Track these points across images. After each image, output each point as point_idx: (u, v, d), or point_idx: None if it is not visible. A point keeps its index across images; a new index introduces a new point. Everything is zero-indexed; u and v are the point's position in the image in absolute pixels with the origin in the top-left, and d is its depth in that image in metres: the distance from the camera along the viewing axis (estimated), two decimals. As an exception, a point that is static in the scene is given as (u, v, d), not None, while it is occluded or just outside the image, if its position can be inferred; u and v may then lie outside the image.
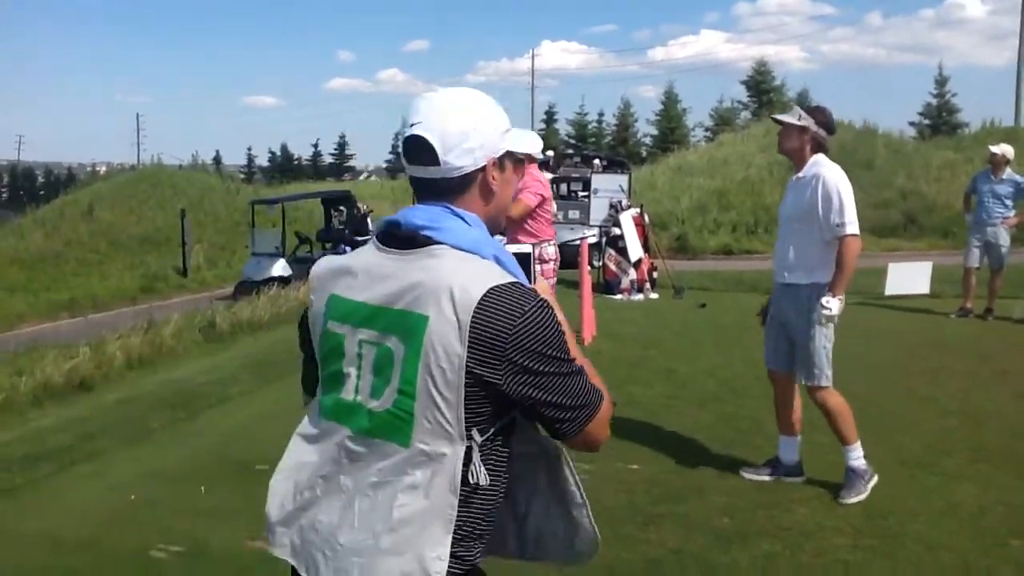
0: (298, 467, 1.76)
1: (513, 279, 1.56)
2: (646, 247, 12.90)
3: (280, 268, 18.02)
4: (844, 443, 4.49)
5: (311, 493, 1.69)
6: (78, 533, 4.21)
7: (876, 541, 3.88)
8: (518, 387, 1.53)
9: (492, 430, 1.57)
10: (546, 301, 1.56)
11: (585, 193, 20.59)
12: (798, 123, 4.49)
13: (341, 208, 20.61)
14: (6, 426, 6.90)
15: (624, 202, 14.38)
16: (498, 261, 1.61)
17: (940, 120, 45.30)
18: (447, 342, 1.51)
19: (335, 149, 66.85)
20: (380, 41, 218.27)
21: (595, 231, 16.87)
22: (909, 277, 11.79)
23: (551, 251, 6.41)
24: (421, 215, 1.63)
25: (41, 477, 5.10)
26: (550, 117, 57.97)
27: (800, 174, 4.52)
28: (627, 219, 12.80)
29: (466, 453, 1.53)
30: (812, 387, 4.51)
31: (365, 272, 1.66)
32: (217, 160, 69.54)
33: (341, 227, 20.19)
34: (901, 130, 39.33)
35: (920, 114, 46.81)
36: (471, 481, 1.54)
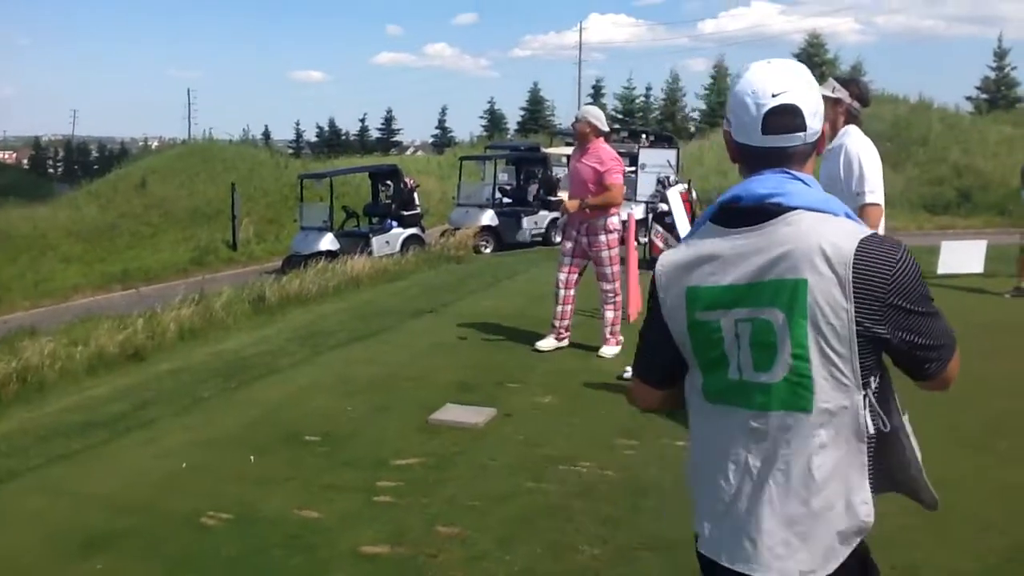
0: (710, 463, 1.82)
1: (872, 230, 1.65)
2: (694, 223, 12.79)
3: (328, 242, 18.17)
4: None
5: (727, 484, 1.75)
6: (133, 497, 4.32)
7: (925, 520, 3.81)
8: (898, 331, 1.63)
9: (878, 376, 1.67)
10: (907, 247, 1.65)
11: (632, 168, 20.45)
12: (832, 95, 4.41)
13: (388, 182, 20.70)
14: (63, 394, 7.09)
15: (672, 177, 14.27)
16: (847, 216, 1.69)
17: (998, 94, 44.09)
18: (832, 299, 1.58)
19: (382, 124, 66.92)
20: (428, 15, 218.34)
21: (642, 207, 16.78)
22: (963, 255, 11.54)
23: (615, 222, 6.85)
24: (762, 185, 1.70)
25: (97, 443, 5.24)
26: (597, 92, 57.48)
27: (829, 146, 4.44)
28: (675, 195, 12.69)
29: (863, 401, 1.63)
30: None
31: (719, 257, 1.71)
32: (266, 135, 70.02)
33: (388, 201, 20.30)
34: (957, 104, 38.41)
35: (977, 88, 45.61)
36: (871, 428, 1.65)
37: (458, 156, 28.60)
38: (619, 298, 7.02)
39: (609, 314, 6.98)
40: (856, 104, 4.42)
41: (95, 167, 69.23)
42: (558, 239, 20.10)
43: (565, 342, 7.16)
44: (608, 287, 6.93)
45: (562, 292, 7.03)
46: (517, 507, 4.06)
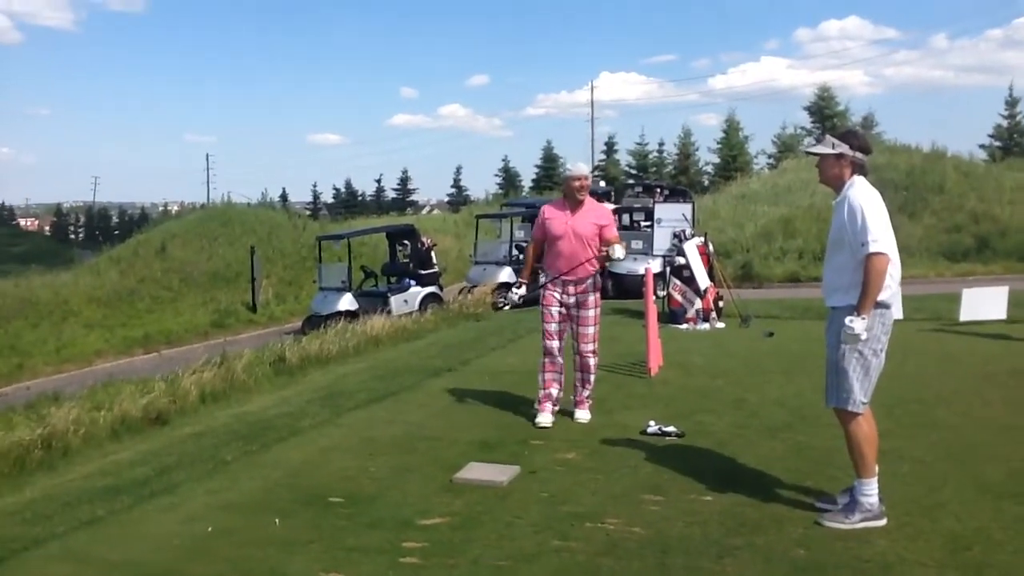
0: None
1: None
2: (711, 276, 12.78)
3: (347, 302, 18.27)
4: (858, 475, 4.39)
5: None
6: (158, 563, 4.29)
7: (960, 573, 3.77)
8: None
9: None
10: None
11: (648, 223, 20.56)
12: (833, 151, 4.47)
13: (405, 242, 20.86)
14: (87, 459, 7.11)
15: (688, 231, 14.29)
16: None
17: (1012, 142, 44.30)
18: None
19: (398, 184, 67.80)
20: (441, 77, 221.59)
21: (659, 260, 16.81)
22: (984, 302, 11.47)
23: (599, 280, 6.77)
24: None
25: (121, 509, 5.23)
26: (610, 148, 58.04)
27: (838, 198, 4.48)
28: (692, 248, 12.71)
29: None
30: (839, 411, 4.42)
31: None
32: (284, 197, 70.90)
33: (406, 260, 20.43)
34: (971, 152, 38.63)
35: (991, 136, 45.91)
36: None
37: (474, 214, 28.88)
38: (597, 360, 6.80)
39: (593, 377, 6.76)
40: (859, 155, 4.47)
41: (116, 232, 70.21)
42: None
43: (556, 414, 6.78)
44: (590, 348, 6.65)
45: (556, 360, 6.71)
46: (544, 566, 4.02)
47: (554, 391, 6.76)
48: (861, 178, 4.46)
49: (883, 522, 4.33)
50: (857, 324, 4.23)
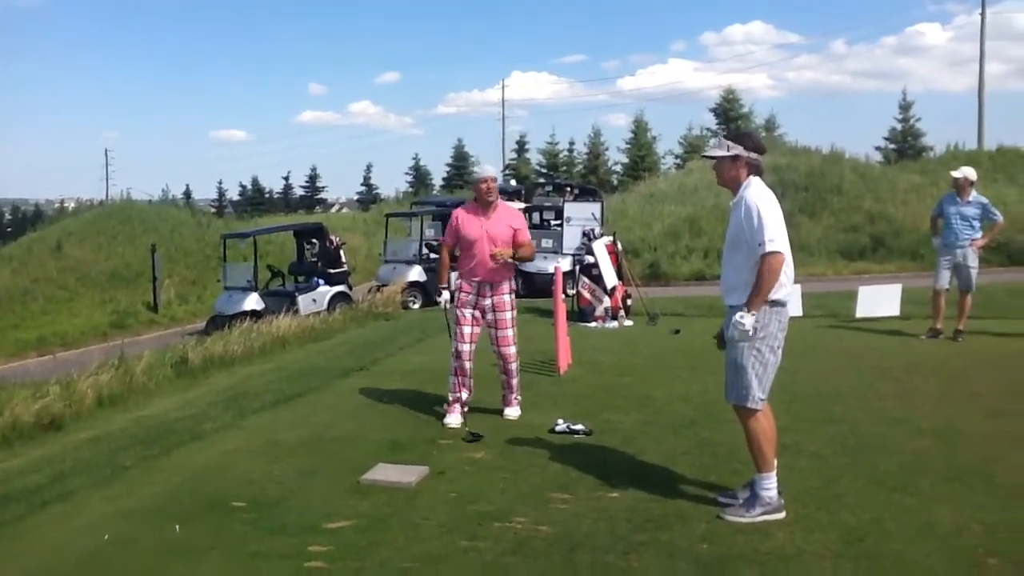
0: None
1: None
2: (619, 275, 12.95)
3: (253, 302, 17.88)
4: (758, 469, 4.50)
5: None
6: (52, 575, 4.13)
7: (855, 564, 3.89)
8: None
9: None
10: None
11: (558, 222, 20.71)
12: (728, 154, 4.57)
13: (314, 241, 20.55)
14: (-25, 467, 6.78)
15: (597, 230, 14.45)
16: None
17: (905, 144, 46.09)
18: None
19: (306, 182, 66.64)
20: (351, 74, 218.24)
21: (569, 259, 16.95)
22: (879, 299, 11.92)
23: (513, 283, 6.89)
24: None
25: (13, 518, 5.01)
26: (521, 147, 58.28)
27: (734, 199, 4.58)
28: (600, 247, 12.85)
29: None
30: (738, 407, 4.52)
31: None
32: (187, 194, 69.03)
33: (314, 260, 20.13)
34: (867, 155, 40.19)
35: (886, 139, 47.69)
36: None
37: (384, 213, 28.71)
38: (519, 360, 6.87)
39: (515, 379, 6.85)
40: (753, 155, 4.57)
41: (8, 230, 67.40)
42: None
43: (465, 416, 6.78)
44: (511, 351, 6.73)
45: (468, 364, 6.71)
46: (452, 567, 4.00)
47: (464, 395, 6.78)
48: (757, 179, 4.55)
49: (782, 515, 4.44)
50: (747, 320, 4.31)
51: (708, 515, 4.52)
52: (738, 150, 4.55)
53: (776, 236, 4.32)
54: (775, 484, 4.49)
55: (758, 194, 4.45)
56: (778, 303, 4.43)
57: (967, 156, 32.23)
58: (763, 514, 4.43)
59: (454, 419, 6.67)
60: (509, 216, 6.72)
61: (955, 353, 9.20)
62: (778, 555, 4.00)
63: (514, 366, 6.79)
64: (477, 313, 6.68)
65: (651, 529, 4.35)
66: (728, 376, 4.54)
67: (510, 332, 6.71)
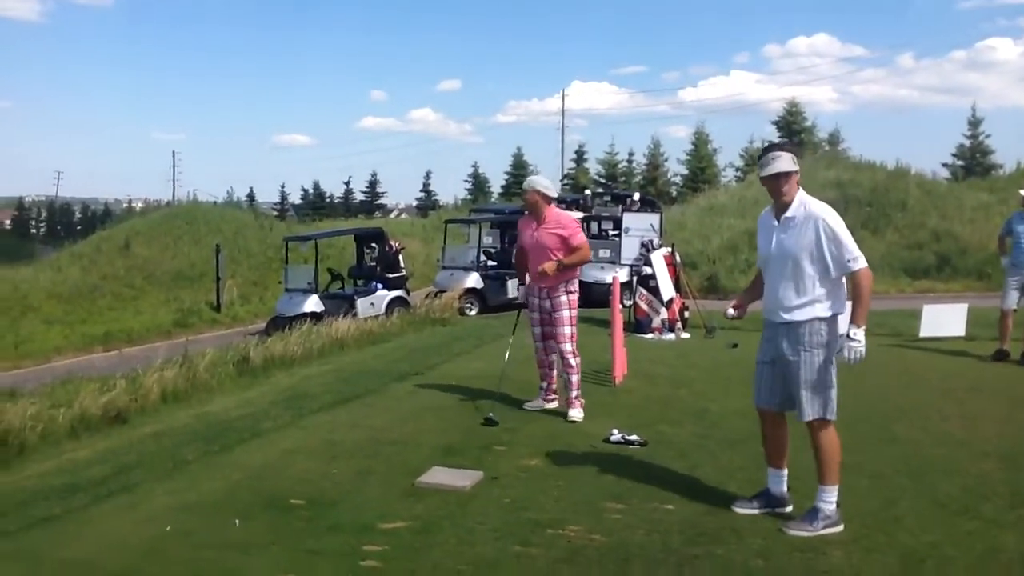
0: None
1: None
2: (677, 287, 12.88)
3: (313, 304, 18.14)
4: (823, 482, 4.50)
5: None
6: (115, 564, 4.24)
7: (914, 586, 3.82)
8: None
9: None
10: None
11: (616, 232, 20.64)
12: (795, 169, 4.52)
13: (373, 245, 20.77)
14: (44, 457, 7.00)
15: (655, 241, 14.39)
16: None
17: (974, 161, 45.05)
18: None
19: (366, 187, 67.45)
20: (412, 80, 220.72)
21: (626, 270, 16.89)
22: (944, 319, 11.67)
23: (575, 284, 7.09)
24: None
25: (78, 507, 5.16)
26: (580, 156, 58.28)
27: (789, 214, 4.51)
28: (658, 258, 12.80)
29: None
30: (819, 421, 4.49)
31: None
32: (251, 197, 70.51)
33: (373, 264, 20.35)
34: (934, 171, 39.27)
35: (953, 155, 46.68)
36: None
37: (443, 219, 28.85)
38: (579, 359, 7.07)
39: (574, 378, 7.03)
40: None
41: (78, 228, 69.36)
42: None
43: (553, 403, 7.27)
44: (568, 347, 7.01)
45: (544, 357, 7.24)
46: (504, 573, 4.02)
47: (544, 384, 7.34)
48: (808, 196, 4.53)
49: (841, 527, 4.42)
50: (860, 335, 4.36)
51: (764, 531, 4.48)
52: (798, 165, 4.53)
53: (860, 252, 4.36)
54: (836, 497, 4.47)
55: (831, 211, 4.43)
56: (838, 316, 4.44)
57: (1038, 174, 31.41)
58: (825, 527, 4.41)
59: (533, 404, 7.35)
60: (558, 224, 6.97)
61: (1021, 375, 8.97)
62: (835, 574, 3.95)
63: (572, 362, 7.03)
64: (543, 315, 7.10)
65: (705, 543, 4.33)
66: (803, 394, 4.47)
67: (567, 330, 7.01)
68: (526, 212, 7.17)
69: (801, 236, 4.43)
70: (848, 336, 4.35)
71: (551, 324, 7.03)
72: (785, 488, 4.76)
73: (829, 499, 4.47)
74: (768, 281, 4.68)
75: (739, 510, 4.74)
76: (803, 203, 4.49)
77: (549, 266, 6.81)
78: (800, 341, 4.46)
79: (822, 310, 4.41)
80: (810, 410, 4.48)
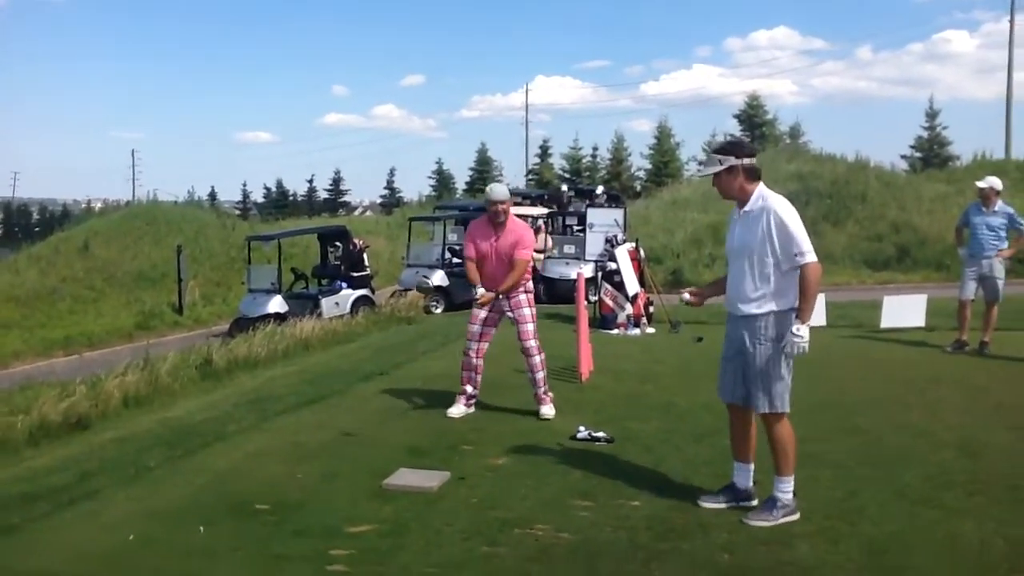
0: None
1: None
2: (642, 282, 12.94)
3: (276, 304, 17.99)
4: (779, 473, 4.57)
5: None
6: (77, 573, 4.18)
7: (877, 577, 3.87)
8: None
9: None
10: None
11: (580, 228, 20.69)
12: (723, 167, 4.58)
13: (337, 244, 20.65)
14: (2, 465, 6.87)
15: (620, 237, 14.46)
16: None
17: (932, 153, 45.75)
18: None
19: (330, 185, 67.17)
20: (375, 76, 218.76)
21: (591, 266, 16.94)
22: (904, 310, 11.84)
23: (530, 283, 7.19)
24: None
25: (38, 516, 5.07)
26: (544, 152, 58.36)
27: (747, 208, 4.59)
28: (623, 254, 12.85)
29: None
30: (772, 414, 4.54)
31: None
32: (212, 196, 69.77)
33: (337, 263, 20.23)
34: (893, 163, 39.87)
35: (912, 147, 47.35)
36: None
37: (407, 216, 28.75)
38: (543, 355, 7.08)
39: (540, 374, 7.05)
40: (747, 161, 4.60)
41: (36, 230, 68.29)
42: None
43: (472, 408, 7.18)
44: (533, 344, 7.01)
45: (475, 360, 7.12)
46: (473, 573, 4.01)
47: (469, 389, 7.13)
48: (766, 188, 4.59)
49: (797, 516, 4.52)
50: (804, 331, 4.38)
51: (730, 525, 4.52)
52: (730, 160, 4.58)
53: (811, 247, 4.40)
54: (792, 487, 4.56)
55: (784, 205, 4.50)
56: (795, 310, 4.48)
57: (994, 165, 31.93)
58: (784, 516, 4.49)
59: (456, 410, 7.07)
60: (515, 234, 6.94)
61: (980, 365, 9.13)
62: (800, 566, 3.99)
63: (537, 360, 7.02)
64: (492, 315, 7.05)
65: (672, 538, 4.35)
66: (757, 386, 4.54)
67: (530, 327, 7.03)
68: (491, 218, 6.94)
69: (756, 229, 4.49)
70: (792, 331, 4.39)
71: (516, 322, 7.03)
72: (751, 482, 4.81)
73: (786, 489, 4.55)
74: (730, 274, 4.75)
75: (705, 504, 4.78)
76: (761, 196, 4.55)
77: (487, 297, 6.88)
78: (755, 334, 4.52)
79: (777, 304, 4.47)
80: (763, 402, 4.53)
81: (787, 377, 4.53)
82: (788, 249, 4.39)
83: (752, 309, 4.53)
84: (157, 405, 8.73)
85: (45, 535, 4.77)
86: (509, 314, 7.05)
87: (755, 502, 4.75)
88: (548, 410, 7.00)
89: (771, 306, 4.47)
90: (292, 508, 4.96)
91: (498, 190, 7.04)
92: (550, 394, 7.12)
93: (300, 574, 4.05)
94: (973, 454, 5.74)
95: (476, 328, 7.07)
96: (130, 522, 4.84)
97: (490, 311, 7.03)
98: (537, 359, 7.02)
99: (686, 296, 5.14)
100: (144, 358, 10.22)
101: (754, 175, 4.60)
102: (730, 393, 4.77)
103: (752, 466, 4.82)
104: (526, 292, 7.06)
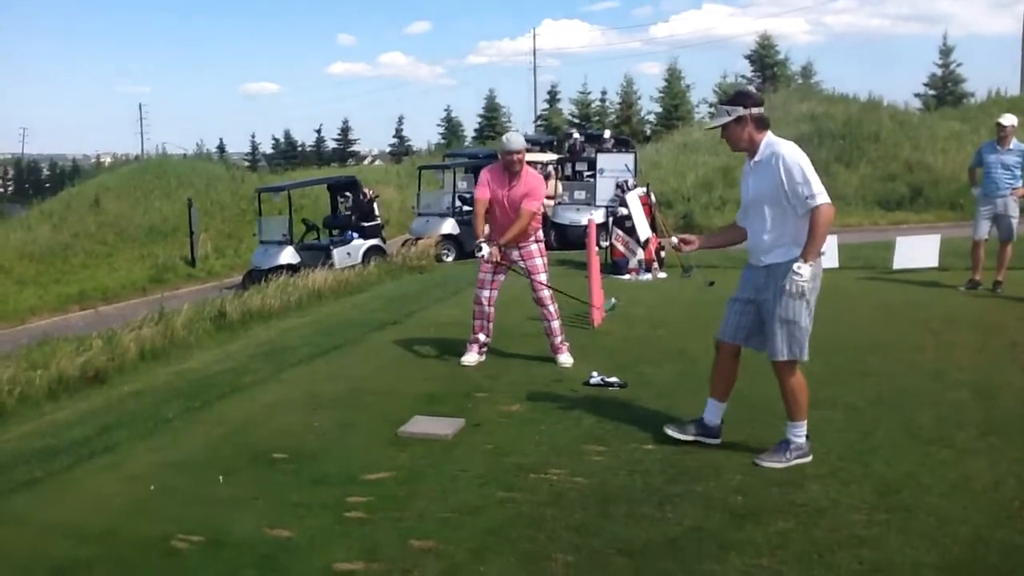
0: None
1: None
2: (653, 226, 12.89)
3: (288, 255, 18.03)
4: (792, 418, 4.60)
5: None
6: (99, 524, 4.25)
7: (889, 516, 3.90)
8: None
9: None
10: None
11: (591, 173, 20.54)
12: (731, 118, 4.53)
13: (347, 194, 20.59)
14: (23, 419, 6.99)
15: (630, 182, 14.38)
16: None
17: (945, 91, 45.04)
18: None
19: (339, 134, 66.65)
20: (380, 24, 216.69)
21: (602, 211, 16.87)
22: (917, 250, 11.77)
23: (540, 232, 7.16)
24: None
25: (60, 469, 5.15)
26: (553, 97, 57.68)
27: (757, 158, 4.56)
28: (634, 199, 12.79)
29: None
30: (787, 362, 4.54)
31: None
32: (221, 148, 69.41)
33: (348, 213, 20.20)
34: (906, 102, 39.31)
35: (925, 85, 46.58)
36: None
37: (416, 165, 28.61)
38: (556, 304, 7.10)
39: (556, 323, 7.07)
40: (755, 110, 4.55)
41: (47, 186, 68.33)
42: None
43: (484, 356, 7.22)
44: (546, 294, 7.03)
45: (487, 308, 7.13)
46: (489, 518, 4.07)
47: (481, 337, 7.16)
48: (774, 136, 4.56)
49: (810, 458, 4.56)
50: (805, 270, 4.33)
51: (742, 467, 4.55)
52: (738, 111, 4.53)
53: (822, 189, 4.35)
54: (805, 430, 4.60)
55: (793, 150, 4.45)
56: (820, 253, 4.47)
57: (1009, 102, 31.40)
58: (797, 458, 4.54)
59: (469, 358, 7.10)
60: (528, 185, 6.88)
61: (994, 305, 9.10)
62: (813, 507, 4.03)
63: (551, 308, 7.04)
64: (502, 263, 7.04)
65: (686, 481, 4.40)
66: (775, 333, 4.52)
67: (543, 276, 7.03)
68: (506, 166, 6.86)
69: (768, 177, 4.47)
70: (793, 269, 4.36)
71: (528, 273, 7.04)
72: (719, 421, 4.90)
73: (799, 433, 4.59)
74: (749, 227, 4.73)
75: (671, 433, 4.90)
76: (769, 144, 4.53)
77: (495, 253, 6.88)
78: (777, 282, 4.48)
79: (798, 251, 4.42)
80: (782, 350, 4.52)
81: (807, 325, 4.51)
82: (799, 192, 4.35)
83: (774, 258, 4.51)
84: (173, 358, 8.81)
85: (68, 487, 4.86)
86: (521, 264, 7.05)
87: (718, 440, 4.87)
88: (566, 359, 7.03)
89: (793, 254, 4.42)
90: (309, 457, 5.02)
91: (515, 140, 6.94)
92: (567, 343, 7.14)
93: (319, 521, 4.11)
94: (987, 394, 5.75)
95: (486, 276, 7.08)
96: (151, 473, 4.92)
97: (501, 258, 7.02)
98: (551, 308, 7.04)
99: (674, 240, 5.16)
100: (159, 311, 10.28)
101: (763, 124, 4.56)
102: (731, 334, 4.78)
103: (724, 405, 4.90)
104: (537, 242, 7.04)
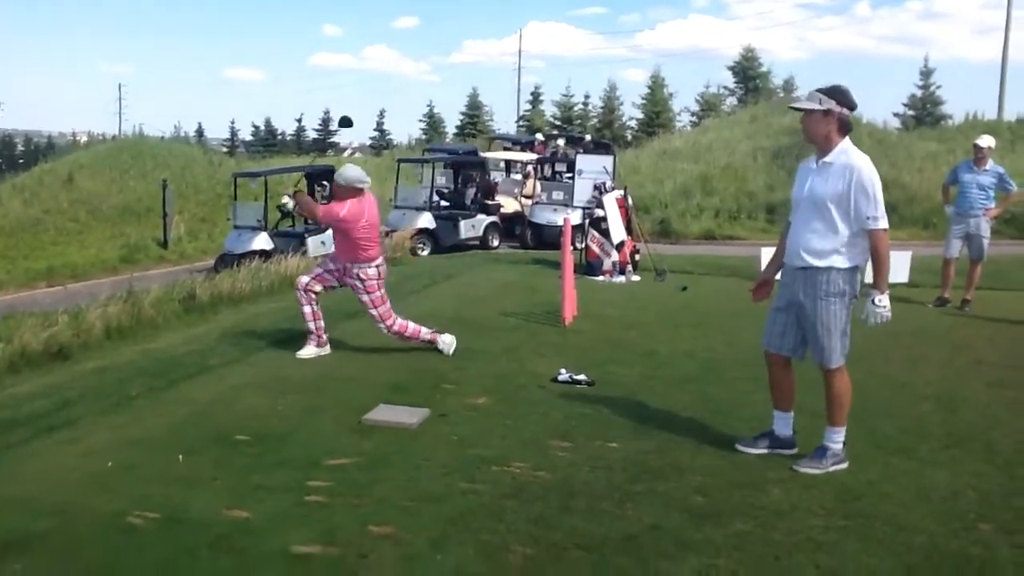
0: None
1: None
2: (629, 230, 12.92)
3: (262, 241, 17.89)
4: (832, 423, 4.61)
5: None
6: (54, 498, 4.19)
7: (848, 522, 3.93)
8: None
9: None
10: None
11: (569, 174, 20.56)
12: (821, 107, 4.47)
13: (325, 183, 20.43)
14: (-18, 392, 6.85)
15: (608, 184, 14.39)
16: None
17: (924, 111, 45.52)
18: None
19: (319, 125, 66.27)
20: (367, 16, 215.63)
21: (579, 212, 16.88)
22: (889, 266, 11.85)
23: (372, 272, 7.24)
24: None
25: (17, 442, 5.07)
26: (536, 98, 57.72)
27: (827, 159, 4.48)
28: (611, 201, 12.81)
29: None
30: (834, 369, 4.59)
31: None
32: (200, 132, 68.86)
33: (324, 202, 20.06)
34: (886, 120, 39.60)
35: (905, 105, 47.05)
36: None
37: (396, 158, 28.52)
38: (399, 321, 7.24)
39: (416, 333, 7.22)
40: (845, 111, 4.49)
41: (20, 161, 67.33)
42: (495, 243, 20.17)
43: (327, 348, 7.31)
44: (383, 325, 7.21)
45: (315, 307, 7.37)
46: (450, 507, 4.05)
47: (315, 328, 7.37)
48: (851, 143, 4.50)
49: (846, 464, 4.59)
50: (885, 301, 4.44)
51: (705, 469, 4.57)
52: (831, 104, 4.46)
53: (884, 213, 4.38)
54: (843, 437, 4.62)
55: (870, 166, 4.41)
56: (857, 269, 4.52)
57: (985, 126, 31.84)
58: (833, 464, 4.55)
59: (307, 351, 7.27)
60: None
61: (961, 322, 9.20)
62: (772, 510, 4.04)
63: (398, 328, 7.22)
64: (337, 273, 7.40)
65: (648, 480, 4.40)
66: (822, 342, 4.54)
67: (374, 312, 7.25)
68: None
69: (835, 183, 4.41)
70: (872, 302, 4.41)
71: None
72: (791, 431, 4.85)
73: (837, 439, 4.59)
74: (795, 225, 4.66)
75: (743, 449, 4.82)
76: (844, 151, 4.46)
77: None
78: (816, 288, 4.48)
79: (842, 261, 4.42)
80: (832, 357, 4.55)
81: (847, 331, 4.55)
82: (863, 211, 4.33)
83: (814, 261, 4.48)
84: (140, 337, 8.69)
85: (24, 461, 4.78)
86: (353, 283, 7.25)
87: (795, 450, 4.79)
88: (447, 341, 7.20)
89: (835, 262, 4.43)
90: (273, 440, 4.98)
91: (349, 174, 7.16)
92: (438, 334, 7.26)
93: (279, 503, 4.08)
94: (950, 407, 5.81)
95: (315, 271, 7.41)
96: (110, 449, 4.86)
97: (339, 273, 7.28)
98: (401, 328, 7.18)
99: (751, 295, 5.09)
100: (127, 290, 10.15)
101: (846, 128, 4.49)
102: (777, 344, 4.77)
103: (791, 415, 4.85)
104: (367, 275, 7.16)
